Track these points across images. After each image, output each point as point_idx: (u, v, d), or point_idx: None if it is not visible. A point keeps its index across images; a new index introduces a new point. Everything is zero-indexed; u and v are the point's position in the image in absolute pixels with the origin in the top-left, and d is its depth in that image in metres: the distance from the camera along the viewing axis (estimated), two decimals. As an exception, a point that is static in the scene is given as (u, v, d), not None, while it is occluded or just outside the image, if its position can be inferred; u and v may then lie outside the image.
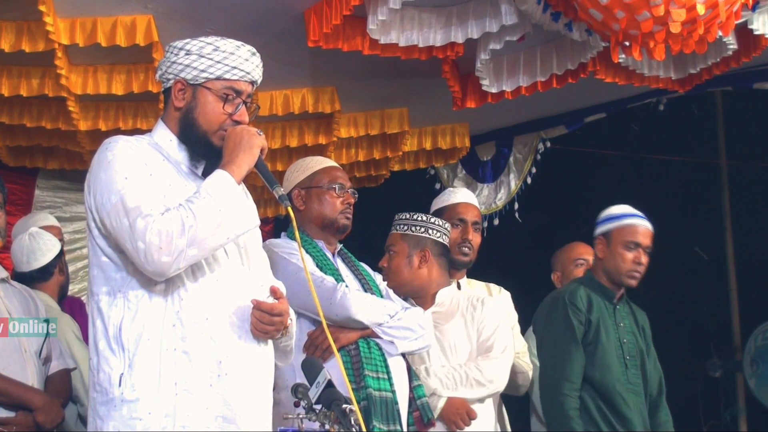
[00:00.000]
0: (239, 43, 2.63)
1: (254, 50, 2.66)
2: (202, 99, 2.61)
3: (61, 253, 4.20)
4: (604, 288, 3.95)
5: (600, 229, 3.99)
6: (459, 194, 4.29)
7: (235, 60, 2.60)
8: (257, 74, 2.66)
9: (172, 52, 2.64)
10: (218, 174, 2.51)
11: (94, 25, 3.90)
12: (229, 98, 2.60)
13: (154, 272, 2.42)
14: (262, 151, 2.58)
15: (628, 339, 3.90)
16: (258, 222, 2.57)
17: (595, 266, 4.03)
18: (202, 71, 2.59)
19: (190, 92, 2.61)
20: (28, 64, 4.19)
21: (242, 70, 2.61)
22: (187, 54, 2.60)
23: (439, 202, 4.26)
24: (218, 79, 2.59)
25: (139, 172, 2.50)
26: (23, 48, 3.91)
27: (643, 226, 3.94)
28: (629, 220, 3.95)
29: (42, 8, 3.66)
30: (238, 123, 2.61)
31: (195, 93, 2.61)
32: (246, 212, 2.53)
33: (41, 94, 4.31)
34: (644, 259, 3.91)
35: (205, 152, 2.62)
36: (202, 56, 2.59)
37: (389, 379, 3.23)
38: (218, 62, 2.59)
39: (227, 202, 2.47)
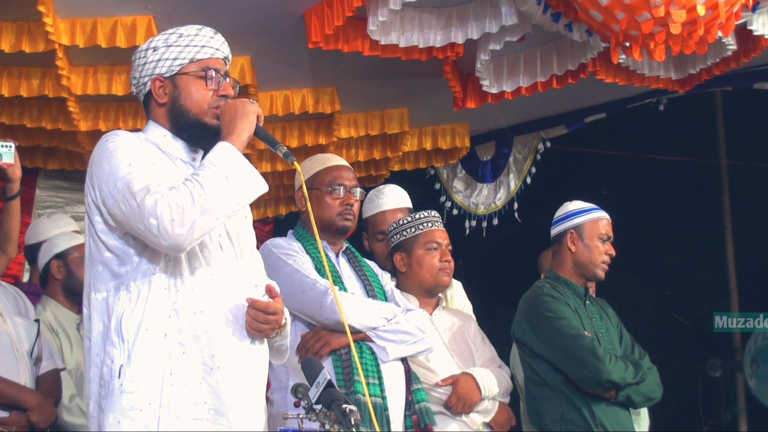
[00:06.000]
0: (199, 26, 2.68)
1: (215, 30, 2.71)
2: (183, 85, 2.64)
3: (58, 257, 4.08)
4: (571, 284, 3.92)
5: (568, 224, 3.95)
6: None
7: (201, 40, 2.65)
8: (226, 50, 2.71)
9: (139, 57, 2.69)
10: (219, 145, 2.52)
11: (94, 25, 3.91)
12: (209, 76, 2.64)
13: (171, 246, 2.41)
14: (258, 118, 2.59)
15: (602, 333, 3.86)
16: (266, 187, 2.55)
17: (560, 263, 3.96)
18: (175, 59, 2.63)
19: (169, 85, 2.65)
20: (28, 64, 4.19)
21: (211, 47, 2.66)
22: (154, 51, 2.65)
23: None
24: (192, 61, 2.64)
25: (142, 158, 2.53)
26: (23, 48, 3.91)
27: (608, 218, 3.98)
28: (597, 213, 3.97)
29: (42, 9, 3.66)
30: (225, 97, 2.64)
31: (175, 83, 2.65)
32: (253, 178, 2.51)
33: (41, 95, 4.31)
34: (612, 251, 3.93)
35: (202, 135, 2.64)
36: (170, 46, 2.64)
37: (380, 384, 3.19)
38: (186, 46, 2.64)
39: (232, 169, 2.47)
